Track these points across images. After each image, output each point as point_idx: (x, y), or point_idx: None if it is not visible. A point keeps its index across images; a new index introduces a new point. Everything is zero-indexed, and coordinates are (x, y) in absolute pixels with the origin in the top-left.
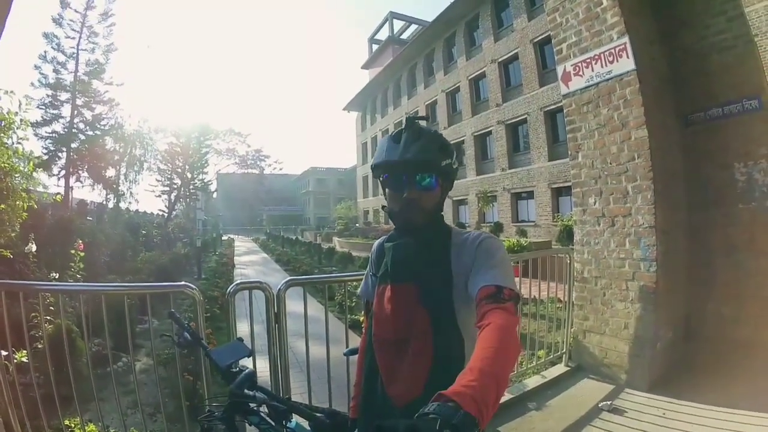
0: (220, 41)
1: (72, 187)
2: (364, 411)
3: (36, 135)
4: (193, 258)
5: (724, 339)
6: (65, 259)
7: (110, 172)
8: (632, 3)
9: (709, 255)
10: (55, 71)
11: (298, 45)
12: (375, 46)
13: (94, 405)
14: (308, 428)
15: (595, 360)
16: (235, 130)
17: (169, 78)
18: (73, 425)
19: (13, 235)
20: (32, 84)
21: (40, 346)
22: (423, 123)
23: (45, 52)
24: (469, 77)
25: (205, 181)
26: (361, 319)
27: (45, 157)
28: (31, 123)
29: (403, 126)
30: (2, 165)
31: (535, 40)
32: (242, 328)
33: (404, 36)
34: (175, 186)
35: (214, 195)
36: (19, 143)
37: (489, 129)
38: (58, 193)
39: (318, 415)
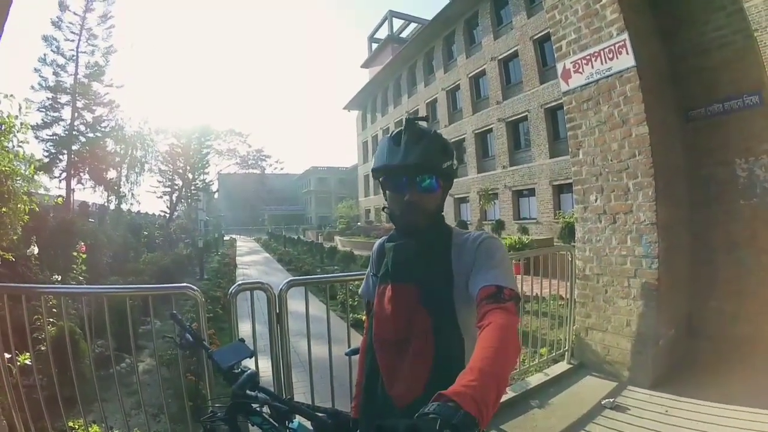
0: (220, 42)
1: (73, 190)
2: (365, 411)
3: (37, 138)
4: (195, 258)
5: (725, 336)
6: (67, 261)
7: (111, 174)
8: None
9: (710, 252)
10: (55, 74)
11: (297, 45)
12: (374, 45)
13: (98, 406)
14: (311, 428)
15: (597, 357)
16: (235, 131)
17: (169, 79)
18: (76, 426)
19: (15, 237)
20: (32, 87)
21: (43, 349)
22: (423, 124)
23: (44, 55)
24: (469, 75)
25: (207, 181)
26: (363, 318)
27: (46, 160)
28: (31, 126)
29: (403, 127)
30: (3, 168)
31: (535, 38)
32: (244, 329)
33: (404, 34)
34: (177, 187)
35: (216, 195)
36: (20, 146)
37: (490, 127)
38: (60, 196)
39: (320, 415)
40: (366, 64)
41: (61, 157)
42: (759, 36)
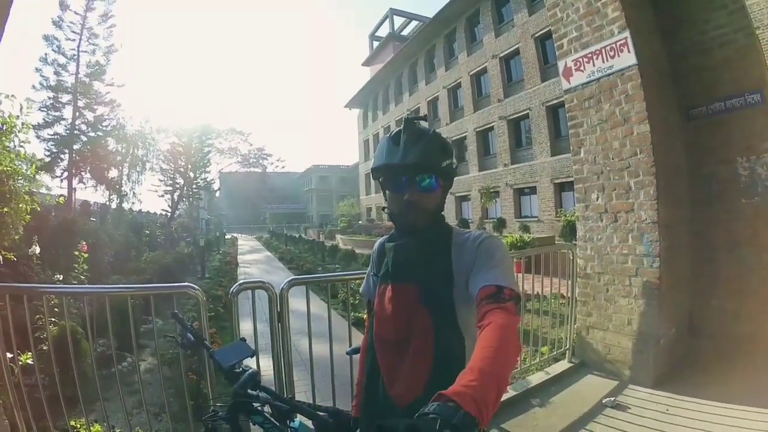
0: (221, 41)
1: (75, 189)
2: (365, 410)
3: (38, 137)
4: (197, 257)
5: (727, 335)
6: (69, 261)
7: (113, 173)
8: None
9: (711, 250)
10: (56, 73)
11: (298, 43)
12: (376, 43)
13: (100, 405)
14: (312, 427)
15: (598, 356)
16: (236, 129)
17: (170, 78)
18: (78, 426)
19: (16, 237)
20: (33, 86)
21: (44, 348)
22: (422, 123)
23: (46, 54)
24: (471, 73)
25: (208, 180)
26: (364, 317)
27: (47, 160)
28: (32, 125)
29: (402, 127)
30: (5, 168)
31: (536, 35)
32: (246, 327)
33: (405, 32)
34: (178, 185)
35: (217, 194)
36: (22, 146)
37: (491, 125)
38: (62, 195)
39: (321, 414)
40: (367, 62)
41: (62, 156)
42: (760, 34)
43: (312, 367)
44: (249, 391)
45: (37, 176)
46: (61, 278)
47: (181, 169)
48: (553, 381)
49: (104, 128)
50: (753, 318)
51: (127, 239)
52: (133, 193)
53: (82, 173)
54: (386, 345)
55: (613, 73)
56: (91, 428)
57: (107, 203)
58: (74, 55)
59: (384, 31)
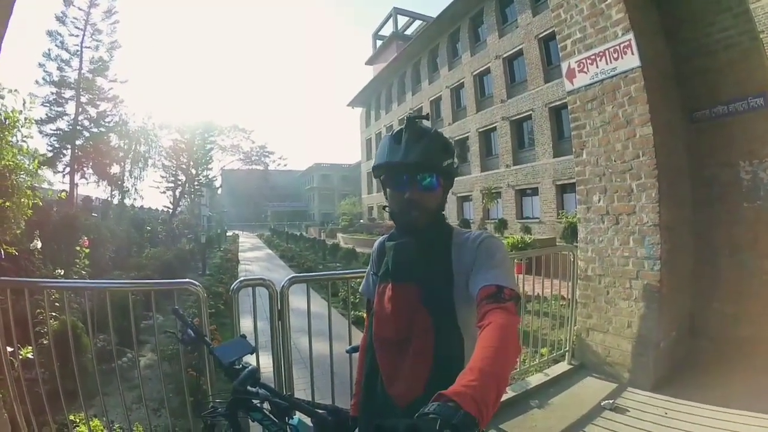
0: (225, 37)
1: (77, 184)
2: (364, 409)
3: (41, 132)
4: (198, 254)
5: (727, 338)
6: (70, 256)
7: (115, 169)
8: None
9: (712, 253)
10: (59, 69)
11: (302, 41)
12: (379, 42)
13: (99, 400)
14: (310, 425)
15: (598, 358)
16: (239, 127)
17: (173, 74)
18: (77, 420)
19: (18, 232)
20: (37, 82)
21: (45, 342)
22: (424, 122)
23: (49, 50)
24: (474, 73)
25: (210, 177)
26: (364, 316)
27: (50, 155)
28: (35, 120)
29: (404, 125)
30: (7, 163)
31: (540, 36)
32: (246, 325)
33: (408, 32)
34: (180, 182)
35: (219, 191)
36: (24, 141)
37: (493, 125)
38: (64, 190)
39: (320, 411)
40: (370, 61)
41: (64, 151)
42: (765, 38)
43: (312, 364)
44: (248, 387)
45: (40, 171)
46: (62, 273)
47: (183, 166)
48: (553, 382)
49: (107, 124)
50: (753, 321)
51: (128, 235)
52: (135, 189)
53: (84, 169)
54: (386, 344)
55: (617, 75)
56: (91, 423)
57: (109, 199)
58: (77, 50)
59: (387, 31)
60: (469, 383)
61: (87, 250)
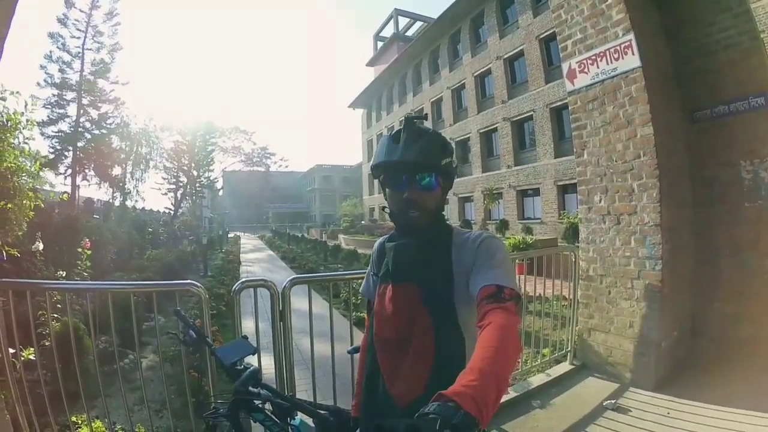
0: (226, 39)
1: (78, 186)
2: (365, 410)
3: (42, 134)
4: (200, 255)
5: (728, 338)
6: (72, 257)
7: (116, 171)
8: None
9: (713, 253)
10: (61, 71)
11: (303, 43)
12: (380, 43)
13: (101, 401)
14: (312, 425)
15: (599, 358)
16: (240, 128)
17: (175, 76)
18: (79, 421)
19: (20, 233)
20: (38, 84)
21: (47, 344)
22: (422, 122)
23: (50, 51)
24: (475, 74)
25: (211, 178)
26: (365, 316)
27: (51, 156)
28: (37, 122)
29: (402, 125)
30: (9, 165)
31: (541, 37)
32: (248, 326)
33: (409, 33)
34: (181, 184)
35: (220, 193)
36: (26, 143)
37: (495, 126)
38: (65, 192)
39: (322, 412)
40: (371, 63)
41: (66, 153)
42: (765, 37)
43: (313, 365)
44: (250, 388)
45: (41, 173)
46: (64, 275)
47: (185, 168)
48: (554, 383)
49: (108, 126)
50: (754, 321)
51: (130, 237)
52: (137, 190)
53: (86, 170)
54: (387, 345)
55: (617, 75)
56: (93, 424)
57: (110, 201)
58: (79, 52)
59: (388, 32)
60: (469, 383)
61: (89, 252)
